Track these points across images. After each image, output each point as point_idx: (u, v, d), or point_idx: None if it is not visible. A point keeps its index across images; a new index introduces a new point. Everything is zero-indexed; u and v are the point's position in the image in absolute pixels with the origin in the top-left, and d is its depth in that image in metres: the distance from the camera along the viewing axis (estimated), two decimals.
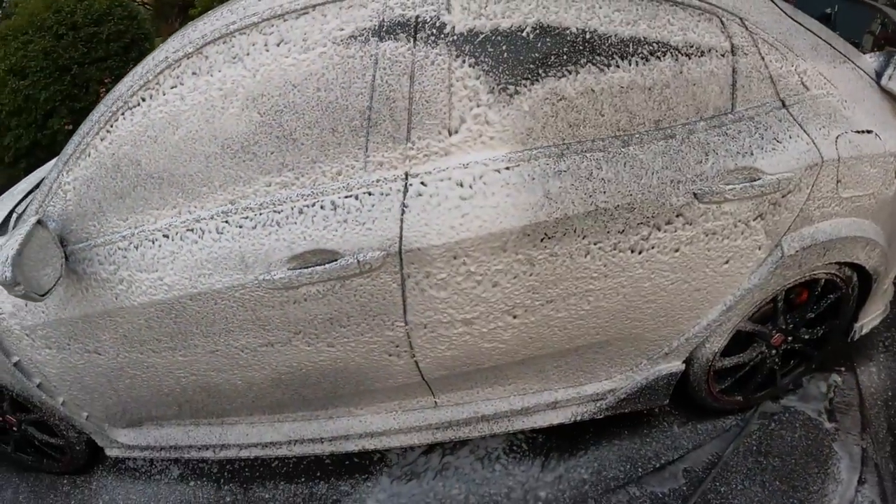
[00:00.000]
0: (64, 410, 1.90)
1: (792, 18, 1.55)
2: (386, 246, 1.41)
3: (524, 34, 1.38)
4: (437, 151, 1.40)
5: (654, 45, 1.42)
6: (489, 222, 1.39)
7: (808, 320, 1.82)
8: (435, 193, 1.39)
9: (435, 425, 1.79)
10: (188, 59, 1.43)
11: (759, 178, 1.47)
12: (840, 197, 1.56)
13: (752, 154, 1.47)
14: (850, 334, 1.91)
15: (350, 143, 1.41)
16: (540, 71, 1.39)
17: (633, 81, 1.42)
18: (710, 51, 1.45)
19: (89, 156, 1.51)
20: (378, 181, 1.41)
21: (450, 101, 1.38)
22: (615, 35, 1.41)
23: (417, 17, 1.36)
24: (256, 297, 1.49)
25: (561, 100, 1.40)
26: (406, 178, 1.40)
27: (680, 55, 1.43)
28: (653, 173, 1.44)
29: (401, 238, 1.40)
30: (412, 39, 1.36)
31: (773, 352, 1.84)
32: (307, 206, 1.43)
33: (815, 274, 1.69)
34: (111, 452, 2.04)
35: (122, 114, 1.47)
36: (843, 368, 2.06)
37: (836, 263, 1.68)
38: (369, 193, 1.41)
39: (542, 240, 1.43)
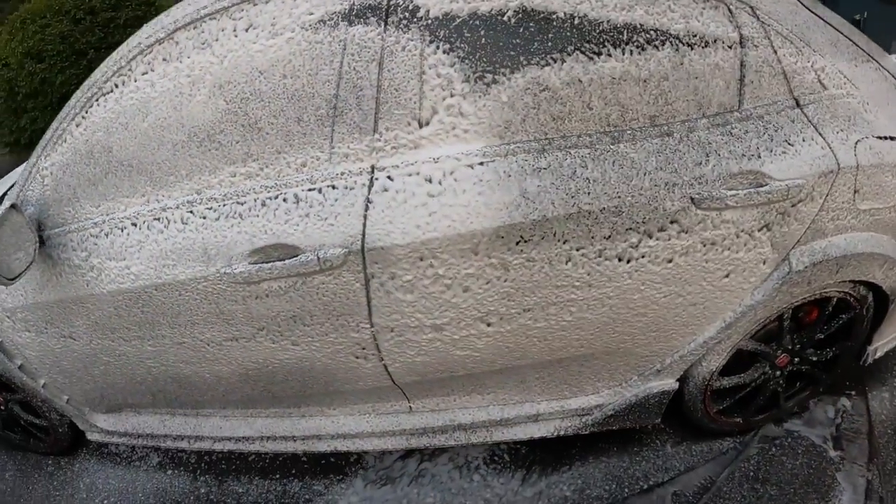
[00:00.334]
0: (45, 393, 1.90)
1: (810, 10, 1.40)
2: (348, 243, 1.32)
3: (505, 18, 1.27)
4: (405, 144, 1.30)
5: (652, 32, 1.29)
6: (458, 222, 1.29)
7: (817, 341, 1.66)
8: (401, 189, 1.30)
9: (409, 431, 1.72)
10: (159, 44, 1.40)
11: (766, 184, 1.33)
12: (857, 209, 1.41)
13: (759, 157, 1.33)
14: (863, 357, 1.75)
15: (315, 133, 1.32)
16: (521, 58, 1.27)
17: (627, 72, 1.29)
18: (715, 41, 1.31)
19: (65, 141, 1.50)
20: (342, 174, 1.33)
21: (421, 89, 1.28)
22: (607, 21, 1.28)
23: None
24: (219, 290, 1.44)
25: (544, 90, 1.28)
26: (372, 172, 1.31)
27: (681, 45, 1.30)
28: (645, 174, 1.31)
29: (364, 235, 1.31)
30: (383, 23, 1.27)
31: (778, 373, 1.70)
32: (270, 199, 1.36)
33: (826, 292, 1.54)
34: (91, 436, 2.04)
35: (97, 100, 1.46)
36: (853, 392, 1.90)
37: (850, 282, 1.53)
38: (333, 187, 1.33)
39: (517, 243, 1.32)
